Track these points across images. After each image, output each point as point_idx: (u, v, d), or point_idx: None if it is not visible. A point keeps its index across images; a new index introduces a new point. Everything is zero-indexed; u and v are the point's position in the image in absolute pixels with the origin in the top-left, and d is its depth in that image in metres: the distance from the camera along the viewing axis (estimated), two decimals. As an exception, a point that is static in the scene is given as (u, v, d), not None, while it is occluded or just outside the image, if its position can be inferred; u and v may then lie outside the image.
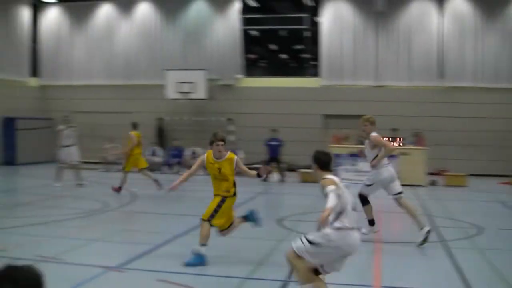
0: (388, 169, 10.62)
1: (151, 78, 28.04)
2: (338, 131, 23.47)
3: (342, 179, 18.66)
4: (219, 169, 8.80)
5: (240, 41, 27.51)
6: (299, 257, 6.06)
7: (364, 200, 10.84)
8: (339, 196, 5.89)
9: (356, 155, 19.97)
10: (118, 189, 16.97)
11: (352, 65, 26.30)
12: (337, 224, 5.96)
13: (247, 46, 28.13)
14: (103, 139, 25.78)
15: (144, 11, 28.75)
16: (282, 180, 21.92)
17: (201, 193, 18.75)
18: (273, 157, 22.33)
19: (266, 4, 29.00)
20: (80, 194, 16.83)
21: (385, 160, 10.64)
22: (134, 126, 18.10)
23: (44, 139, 27.06)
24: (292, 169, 23.79)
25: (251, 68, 29.34)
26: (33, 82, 30.10)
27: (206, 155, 8.94)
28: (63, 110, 28.05)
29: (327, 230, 5.94)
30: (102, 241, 9.66)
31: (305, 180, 21.08)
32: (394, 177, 10.63)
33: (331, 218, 5.90)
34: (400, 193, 10.59)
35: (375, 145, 10.57)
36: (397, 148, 10.38)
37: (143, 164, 17.88)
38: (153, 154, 25.49)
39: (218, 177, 8.86)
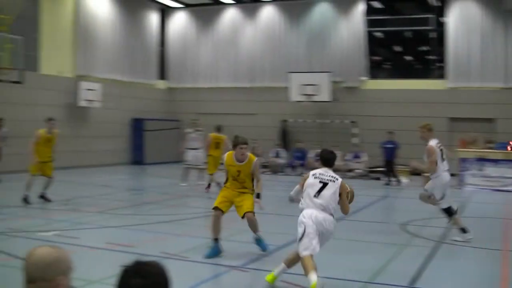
0: (446, 175, 11.45)
1: (275, 80, 29.96)
2: (466, 135, 23.59)
3: (469, 184, 19.52)
4: (239, 172, 9.62)
5: (364, 43, 28.61)
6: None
7: (449, 212, 11.44)
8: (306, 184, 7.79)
9: (483, 160, 20.83)
10: (207, 188, 18.28)
11: (480, 66, 26.69)
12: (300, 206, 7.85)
13: (371, 48, 29.04)
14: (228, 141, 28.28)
15: (268, 14, 30.68)
16: (398, 183, 22.38)
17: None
18: (388, 160, 22.80)
19: (390, 5, 29.87)
20: (203, 194, 18.03)
21: (445, 166, 11.45)
22: (218, 129, 18.97)
23: (170, 140, 29.50)
24: (416, 173, 25.27)
25: (375, 70, 30.13)
26: (161, 84, 32.92)
27: (226, 156, 9.74)
28: (188, 112, 31.08)
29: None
30: (224, 240, 9.82)
31: (430, 184, 21.99)
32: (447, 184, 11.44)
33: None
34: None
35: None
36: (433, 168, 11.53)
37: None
38: (277, 155, 27.08)
39: (238, 179, 9.70)
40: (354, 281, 8.30)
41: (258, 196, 9.64)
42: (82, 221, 12.87)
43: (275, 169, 26.36)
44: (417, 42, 31.57)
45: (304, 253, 7.43)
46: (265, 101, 30.41)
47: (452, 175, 12.15)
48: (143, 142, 30.00)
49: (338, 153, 25.67)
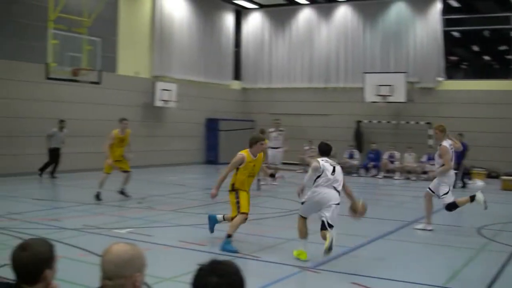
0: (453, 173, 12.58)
1: (349, 81, 29.90)
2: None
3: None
4: (254, 166, 10.23)
5: (440, 42, 28.14)
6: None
7: (454, 206, 12.21)
8: (315, 169, 9.22)
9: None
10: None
11: None
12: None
13: (448, 47, 28.53)
14: (302, 141, 27.89)
15: (343, 14, 30.51)
16: (463, 186, 21.65)
17: (399, 198, 19.93)
18: (456, 162, 22.43)
19: (468, 3, 29.12)
20: (278, 194, 18.23)
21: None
22: (262, 132, 17.51)
23: (244, 140, 30.40)
24: (492, 176, 24.26)
25: (452, 70, 29.55)
26: (235, 85, 33.21)
27: (246, 155, 10.06)
28: (262, 112, 31.37)
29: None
30: (298, 240, 9.77)
31: (507, 187, 21.10)
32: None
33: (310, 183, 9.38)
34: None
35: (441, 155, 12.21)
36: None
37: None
38: (351, 157, 26.97)
39: (251, 174, 10.26)
40: (428, 285, 8.21)
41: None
42: (156, 219, 13.10)
43: (349, 170, 26.12)
44: (496, 42, 30.73)
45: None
46: (339, 101, 30.30)
47: None
48: (218, 142, 30.29)
49: (413, 155, 25.50)
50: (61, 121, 20.80)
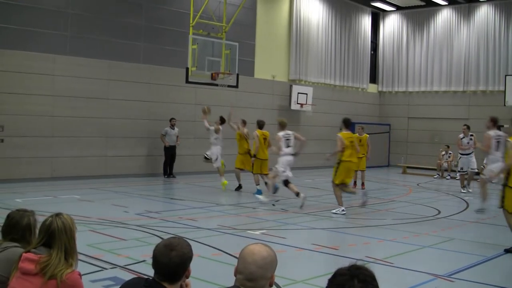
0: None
1: (490, 84, 28.95)
2: None
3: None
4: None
5: None
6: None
7: None
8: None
9: None
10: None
11: None
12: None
13: None
14: (439, 146, 27.39)
15: (484, 14, 29.52)
16: None
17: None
18: None
19: None
20: (412, 199, 17.93)
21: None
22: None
23: (381, 144, 29.65)
24: None
25: None
26: (372, 88, 32.91)
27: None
28: (399, 116, 30.87)
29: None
30: (431, 247, 9.86)
31: None
32: None
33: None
34: None
35: None
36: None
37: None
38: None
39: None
40: None
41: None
42: (289, 221, 13.15)
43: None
44: None
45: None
46: (478, 105, 29.40)
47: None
48: (353, 146, 29.94)
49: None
50: (172, 119, 21.43)
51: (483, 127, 27.68)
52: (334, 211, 14.40)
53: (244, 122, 18.38)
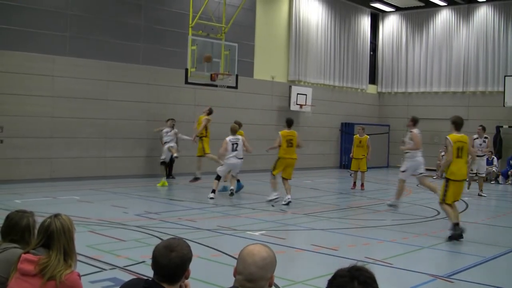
0: None
1: (489, 85, 28.90)
2: None
3: None
4: None
5: None
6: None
7: None
8: None
9: None
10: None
11: None
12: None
13: None
14: (438, 146, 27.00)
15: (484, 14, 29.45)
16: None
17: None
18: None
19: None
20: (412, 200, 17.78)
21: None
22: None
23: (381, 145, 29.58)
24: None
25: None
26: (371, 89, 32.86)
27: None
28: (398, 117, 30.82)
29: None
30: (430, 248, 9.90)
31: None
32: None
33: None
34: None
35: None
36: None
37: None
38: (490, 163, 25.26)
39: None
40: None
41: None
42: (288, 222, 13.14)
43: (486, 177, 25.05)
44: None
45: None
46: (477, 106, 29.39)
47: None
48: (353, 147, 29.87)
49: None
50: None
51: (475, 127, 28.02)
52: (269, 198, 15.58)
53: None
